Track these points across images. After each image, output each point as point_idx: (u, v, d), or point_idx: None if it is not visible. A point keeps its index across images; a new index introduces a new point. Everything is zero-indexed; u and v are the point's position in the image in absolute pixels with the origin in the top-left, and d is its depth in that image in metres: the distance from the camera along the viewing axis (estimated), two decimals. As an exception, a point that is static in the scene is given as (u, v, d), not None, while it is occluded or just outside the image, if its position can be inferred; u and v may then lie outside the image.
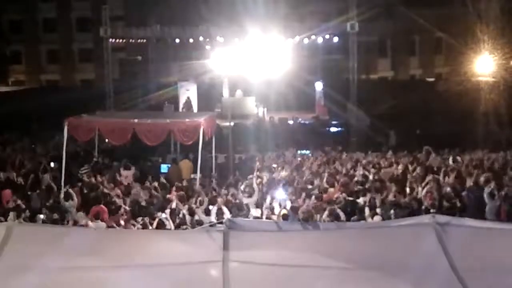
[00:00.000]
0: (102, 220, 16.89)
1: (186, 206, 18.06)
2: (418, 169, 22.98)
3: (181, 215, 17.44)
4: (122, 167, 24.41)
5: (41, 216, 17.02)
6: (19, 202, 18.30)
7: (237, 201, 19.14)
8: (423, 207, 17.86)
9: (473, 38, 43.56)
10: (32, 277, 6.48)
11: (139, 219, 16.95)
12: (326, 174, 22.68)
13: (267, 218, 17.48)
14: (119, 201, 19.27)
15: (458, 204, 18.37)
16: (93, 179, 22.10)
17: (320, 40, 41.67)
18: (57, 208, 18.42)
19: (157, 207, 18.67)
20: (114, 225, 16.38)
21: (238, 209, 18.23)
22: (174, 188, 21.03)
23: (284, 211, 17.47)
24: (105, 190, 20.07)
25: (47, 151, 29.06)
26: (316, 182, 21.70)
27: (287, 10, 45.56)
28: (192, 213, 17.49)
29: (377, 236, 7.64)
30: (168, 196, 20.18)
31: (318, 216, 16.91)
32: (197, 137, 22.72)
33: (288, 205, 18.26)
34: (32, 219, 16.68)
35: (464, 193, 19.53)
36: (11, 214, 16.65)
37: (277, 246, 7.25)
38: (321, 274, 6.78)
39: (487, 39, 41.77)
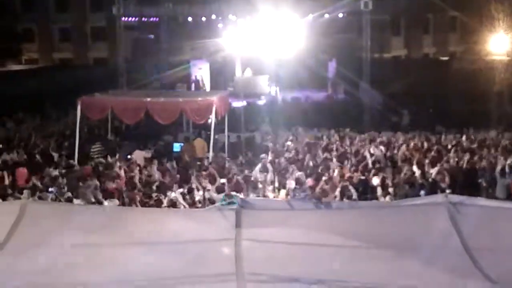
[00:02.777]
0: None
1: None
2: (432, 148, 22.94)
3: (199, 194, 17.50)
4: (137, 147, 24.47)
5: (50, 192, 17.09)
6: (33, 180, 18.37)
7: (251, 179, 19.16)
8: (436, 186, 17.80)
9: (488, 17, 43.15)
10: (46, 253, 6.65)
11: (154, 195, 16.97)
12: (338, 153, 22.69)
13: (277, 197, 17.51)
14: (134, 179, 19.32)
15: (471, 183, 18.34)
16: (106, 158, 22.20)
17: (333, 18, 41.42)
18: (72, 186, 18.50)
19: (172, 185, 18.65)
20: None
21: (252, 188, 18.26)
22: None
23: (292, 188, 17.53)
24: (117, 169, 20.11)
25: (60, 129, 29.17)
26: (329, 160, 21.70)
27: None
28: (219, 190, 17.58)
29: (390, 215, 7.69)
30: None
31: (331, 194, 16.93)
32: (210, 116, 22.75)
33: (300, 183, 18.27)
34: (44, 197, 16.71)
35: (477, 173, 19.51)
36: (25, 192, 16.69)
37: (289, 225, 7.31)
38: (333, 252, 6.88)
39: (502, 17, 41.36)
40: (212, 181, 18.65)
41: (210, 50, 41.80)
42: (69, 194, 17.38)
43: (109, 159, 22.16)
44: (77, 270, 6.44)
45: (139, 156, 23.10)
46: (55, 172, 19.62)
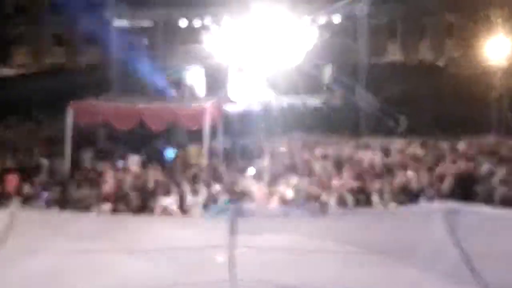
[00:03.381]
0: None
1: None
2: (429, 154, 22.95)
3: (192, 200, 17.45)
4: (129, 153, 24.38)
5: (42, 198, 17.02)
6: (23, 187, 18.31)
7: (244, 186, 19.05)
8: (433, 193, 17.74)
9: (484, 22, 43.33)
10: (36, 262, 6.70)
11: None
12: (334, 159, 22.66)
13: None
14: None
15: (468, 190, 18.26)
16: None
17: (329, 23, 41.58)
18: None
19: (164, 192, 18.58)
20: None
21: (245, 195, 18.15)
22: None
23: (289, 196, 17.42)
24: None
25: (51, 135, 29.10)
26: (324, 166, 21.64)
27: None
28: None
29: (386, 222, 7.87)
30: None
31: (327, 201, 16.86)
32: (204, 122, 22.69)
33: (296, 189, 18.19)
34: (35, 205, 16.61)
35: (475, 179, 19.45)
36: (15, 200, 16.65)
37: (284, 232, 7.51)
38: (328, 259, 6.89)
39: (498, 22, 41.53)
40: (206, 187, 18.57)
41: (204, 55, 41.85)
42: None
43: (99, 165, 22.12)
44: (69, 278, 6.60)
45: (134, 161, 23.05)
46: (45, 178, 19.62)
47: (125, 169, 21.75)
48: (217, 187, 18.61)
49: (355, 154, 23.76)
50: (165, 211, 15.97)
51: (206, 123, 22.70)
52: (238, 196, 17.77)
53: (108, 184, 18.97)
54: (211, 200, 17.47)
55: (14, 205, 15.64)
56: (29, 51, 61.32)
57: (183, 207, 16.96)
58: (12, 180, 19.40)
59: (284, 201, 17.00)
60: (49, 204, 17.01)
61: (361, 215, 9.17)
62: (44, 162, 22.63)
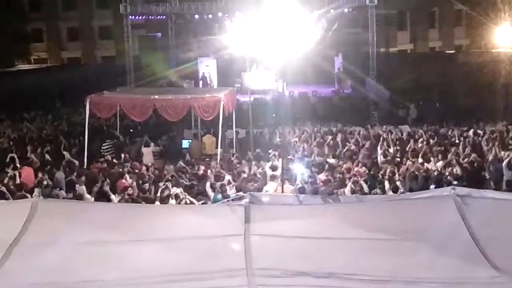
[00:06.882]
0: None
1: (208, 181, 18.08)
2: (438, 142, 22.97)
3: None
4: (143, 144, 24.52)
5: (63, 192, 17.06)
6: (43, 178, 18.34)
7: (259, 175, 19.14)
8: (443, 179, 17.81)
9: (494, 10, 43.07)
10: (57, 251, 6.59)
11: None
12: (346, 148, 22.72)
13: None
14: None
15: (478, 176, 18.33)
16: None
17: (339, 13, 41.36)
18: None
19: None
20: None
21: (260, 183, 18.23)
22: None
23: (300, 184, 17.49)
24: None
25: (70, 128, 29.28)
26: (336, 155, 21.76)
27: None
28: (213, 187, 17.57)
29: (398, 208, 7.73)
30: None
31: (341, 189, 16.94)
32: (218, 112, 22.80)
33: (308, 178, 18.29)
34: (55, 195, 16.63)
35: (484, 165, 19.50)
36: (36, 191, 16.80)
37: (298, 219, 7.33)
38: (342, 246, 6.87)
39: (507, 9, 41.27)
40: (220, 176, 18.64)
41: (217, 47, 41.87)
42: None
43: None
44: (89, 267, 6.41)
45: (147, 153, 23.22)
46: (65, 170, 19.65)
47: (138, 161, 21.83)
48: (230, 176, 18.75)
49: (366, 142, 23.77)
50: (178, 199, 15.93)
51: (221, 114, 22.84)
52: (251, 184, 17.95)
53: (123, 175, 19.02)
54: (224, 189, 17.51)
55: (35, 195, 15.96)
56: (46, 46, 61.46)
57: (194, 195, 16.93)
58: (28, 172, 19.56)
59: (297, 189, 17.14)
60: (68, 194, 17.00)
61: (373, 202, 9.02)
62: (65, 153, 22.77)
